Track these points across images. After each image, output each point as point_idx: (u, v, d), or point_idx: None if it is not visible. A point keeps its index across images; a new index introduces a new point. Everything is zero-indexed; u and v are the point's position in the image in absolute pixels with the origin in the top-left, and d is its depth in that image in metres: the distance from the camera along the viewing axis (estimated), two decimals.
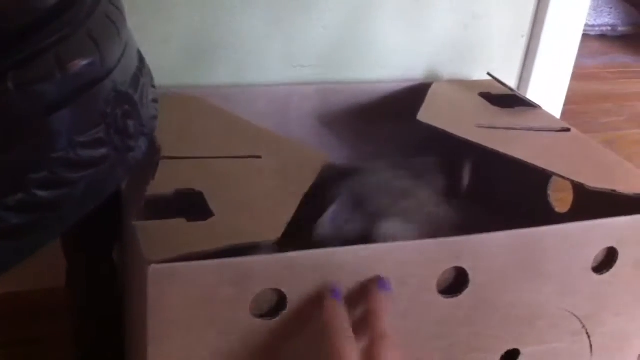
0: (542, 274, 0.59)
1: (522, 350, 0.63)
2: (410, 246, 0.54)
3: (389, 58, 0.89)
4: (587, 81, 1.70)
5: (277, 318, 0.51)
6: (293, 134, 0.83)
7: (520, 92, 0.98)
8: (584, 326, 0.64)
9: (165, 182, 0.58)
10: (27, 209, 0.32)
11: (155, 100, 0.45)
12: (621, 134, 1.45)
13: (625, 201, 0.63)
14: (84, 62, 0.35)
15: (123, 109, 0.36)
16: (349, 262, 0.52)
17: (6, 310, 0.75)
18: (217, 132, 0.70)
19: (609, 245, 0.61)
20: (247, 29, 0.81)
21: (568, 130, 0.77)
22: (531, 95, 0.97)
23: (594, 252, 0.61)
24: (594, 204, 0.64)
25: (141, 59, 0.44)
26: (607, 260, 0.62)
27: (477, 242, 0.55)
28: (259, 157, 0.65)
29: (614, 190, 0.62)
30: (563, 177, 0.63)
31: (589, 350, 0.66)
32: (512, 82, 0.97)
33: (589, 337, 0.66)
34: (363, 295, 0.53)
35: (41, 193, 0.32)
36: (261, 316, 0.51)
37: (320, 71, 0.86)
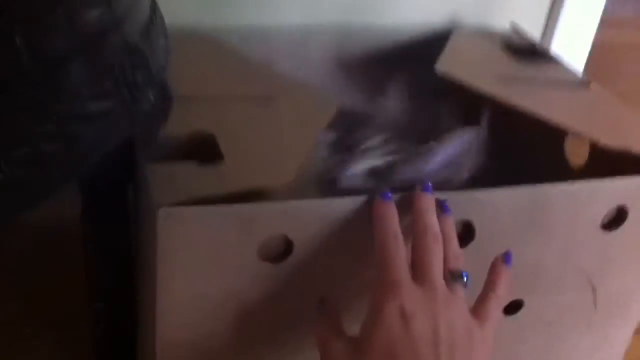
0: (548, 230, 0.59)
1: (525, 301, 0.64)
2: (418, 197, 0.54)
3: (409, 2, 0.87)
4: (617, 30, 1.66)
5: (284, 262, 0.52)
6: (310, 77, 0.83)
7: (546, 38, 0.97)
8: (589, 281, 0.65)
9: (178, 122, 0.58)
10: (33, 162, 0.32)
11: (166, 50, 0.45)
12: None
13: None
14: (92, 14, 0.35)
15: (132, 61, 0.36)
16: (354, 210, 0.52)
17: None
18: (232, 73, 0.70)
19: (619, 203, 0.61)
20: None
21: (588, 84, 0.76)
22: (556, 42, 0.95)
23: (603, 211, 0.60)
24: (609, 159, 0.64)
25: (154, 8, 0.44)
26: (617, 219, 0.62)
27: (483, 197, 0.56)
28: (273, 98, 0.65)
29: (629, 149, 0.62)
30: (578, 134, 0.63)
31: (592, 305, 0.67)
32: (537, 27, 0.95)
33: (593, 291, 0.66)
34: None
35: (46, 146, 0.32)
36: (268, 260, 0.52)
37: (339, 13, 0.85)
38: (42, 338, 0.72)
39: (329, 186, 0.61)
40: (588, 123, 0.66)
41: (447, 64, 0.72)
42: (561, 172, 0.78)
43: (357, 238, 0.53)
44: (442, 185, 0.62)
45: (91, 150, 0.35)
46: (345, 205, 0.52)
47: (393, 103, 0.69)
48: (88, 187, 0.56)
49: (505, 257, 0.55)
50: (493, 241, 0.58)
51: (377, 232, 0.51)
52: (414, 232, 0.51)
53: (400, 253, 0.49)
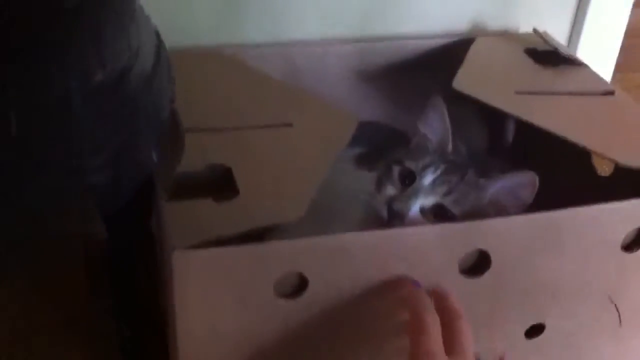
0: (565, 253, 0.59)
1: (547, 324, 0.64)
2: (431, 230, 0.55)
3: (430, 10, 0.86)
4: None
5: (300, 298, 0.53)
6: (330, 92, 0.83)
7: (574, 39, 0.95)
8: (611, 300, 0.65)
9: (197, 155, 0.59)
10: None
11: (171, 90, 0.46)
12: None
13: None
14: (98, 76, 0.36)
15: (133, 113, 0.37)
16: (371, 246, 0.53)
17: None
18: (250, 96, 0.70)
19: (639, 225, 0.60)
20: None
21: (612, 93, 0.74)
22: (584, 44, 0.94)
23: (623, 232, 0.60)
24: (634, 173, 0.63)
25: (158, 52, 0.45)
26: (638, 240, 0.61)
27: (499, 225, 0.56)
28: (290, 124, 0.66)
29: None
30: (597, 153, 0.62)
31: (616, 320, 0.67)
32: (564, 28, 0.93)
33: (617, 309, 0.66)
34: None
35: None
36: (284, 296, 0.53)
37: (358, 26, 0.85)
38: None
39: (390, 221, 0.61)
40: (609, 141, 0.65)
41: (465, 80, 0.71)
42: (588, 179, 0.77)
43: (371, 272, 0.54)
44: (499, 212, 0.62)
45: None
46: (359, 239, 0.53)
47: (433, 121, 0.68)
48: (111, 222, 0.58)
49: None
50: (508, 267, 0.58)
51: (412, 304, 0.52)
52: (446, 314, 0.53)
53: (437, 325, 0.51)
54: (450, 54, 0.84)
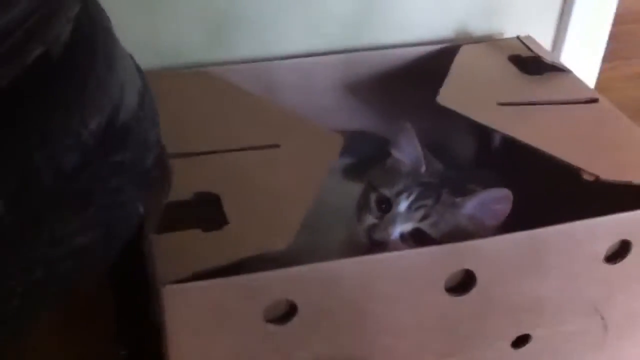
0: (549, 269, 0.60)
1: (532, 335, 0.65)
2: (419, 254, 0.56)
3: (415, 18, 0.87)
4: None
5: (289, 323, 0.55)
6: (318, 103, 0.85)
7: (559, 38, 0.95)
8: (596, 309, 0.66)
9: (183, 182, 0.60)
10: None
11: (156, 134, 0.47)
12: None
13: None
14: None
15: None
16: (357, 272, 0.54)
17: None
18: (235, 117, 0.71)
19: (622, 238, 0.61)
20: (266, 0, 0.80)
21: (596, 101, 0.75)
22: (569, 45, 0.94)
23: (605, 246, 0.61)
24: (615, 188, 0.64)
25: (142, 93, 0.45)
26: (621, 251, 0.62)
27: (483, 246, 0.57)
28: (277, 145, 0.67)
29: (630, 182, 0.62)
30: (580, 169, 0.63)
31: (603, 329, 0.68)
32: (550, 28, 0.94)
33: (602, 318, 0.67)
34: None
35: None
36: (273, 322, 0.54)
37: (344, 37, 0.85)
38: None
39: (371, 248, 0.63)
40: (591, 153, 0.66)
41: (449, 93, 0.72)
42: (574, 185, 0.78)
43: (358, 295, 0.55)
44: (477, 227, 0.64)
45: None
46: (346, 267, 0.54)
47: (404, 146, 0.69)
48: None
49: None
50: (493, 284, 0.59)
51: None
52: None
53: None
54: (436, 62, 0.84)
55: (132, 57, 0.51)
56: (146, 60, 0.55)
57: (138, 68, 0.49)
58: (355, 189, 0.76)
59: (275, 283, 0.53)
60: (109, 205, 0.39)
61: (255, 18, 0.81)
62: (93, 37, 0.41)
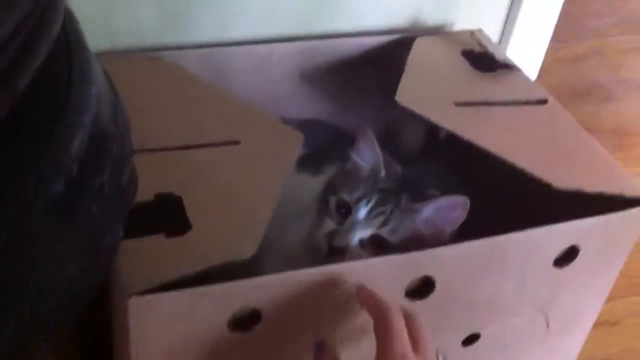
0: (504, 273, 0.63)
1: (482, 333, 0.67)
2: (381, 262, 0.57)
3: (368, 7, 0.86)
4: None
5: (253, 331, 0.55)
6: (274, 92, 0.84)
7: (505, 36, 0.97)
8: (541, 308, 0.69)
9: (142, 181, 0.58)
10: None
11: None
12: (610, 42, 1.41)
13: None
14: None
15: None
16: (319, 280, 0.55)
17: None
18: (193, 110, 0.69)
19: (572, 243, 0.64)
20: None
21: (545, 102, 0.77)
22: (517, 34, 0.95)
23: (557, 251, 0.64)
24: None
25: (115, 116, 0.43)
26: (568, 256, 0.65)
27: (442, 253, 0.58)
28: (237, 142, 0.66)
29: (581, 190, 0.64)
30: (533, 176, 0.65)
31: (545, 325, 0.71)
32: (499, 17, 0.95)
33: (545, 316, 0.70)
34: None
35: None
36: (238, 330, 0.54)
37: (300, 23, 0.84)
38: None
39: (331, 256, 0.63)
40: (543, 159, 0.68)
41: (407, 92, 0.72)
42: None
43: (322, 302, 0.56)
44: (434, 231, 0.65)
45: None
46: (310, 275, 0.55)
47: (364, 150, 0.69)
48: None
49: None
50: (451, 289, 0.61)
51: (377, 306, 0.54)
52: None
53: (403, 325, 0.53)
54: (390, 53, 0.85)
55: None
56: (97, 41, 0.52)
57: (106, 74, 0.47)
58: (310, 181, 0.76)
59: (241, 291, 0.53)
60: (92, 233, 0.37)
61: (210, 1, 0.78)
62: (69, 46, 0.39)
